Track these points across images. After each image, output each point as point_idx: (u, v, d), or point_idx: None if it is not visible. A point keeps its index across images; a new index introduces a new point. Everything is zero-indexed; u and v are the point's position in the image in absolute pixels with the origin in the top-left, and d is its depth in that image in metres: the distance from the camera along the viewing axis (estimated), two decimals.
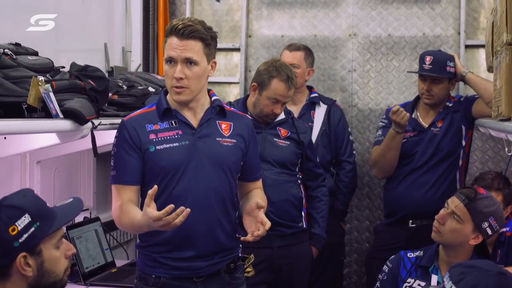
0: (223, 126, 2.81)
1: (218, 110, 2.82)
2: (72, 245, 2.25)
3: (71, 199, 2.30)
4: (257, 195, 2.91)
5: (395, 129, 3.96)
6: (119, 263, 3.96)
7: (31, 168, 3.53)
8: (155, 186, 2.46)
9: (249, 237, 2.65)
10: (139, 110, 2.85)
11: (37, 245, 2.08)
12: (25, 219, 2.05)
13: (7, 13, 3.37)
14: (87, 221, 3.86)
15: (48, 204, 2.20)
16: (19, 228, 2.04)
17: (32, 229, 2.05)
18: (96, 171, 4.18)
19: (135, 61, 4.85)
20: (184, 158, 2.66)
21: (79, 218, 3.89)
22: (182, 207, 2.40)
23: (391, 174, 4.14)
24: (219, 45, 4.95)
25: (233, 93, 5.06)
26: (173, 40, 2.69)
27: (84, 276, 3.58)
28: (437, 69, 3.95)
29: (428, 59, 3.97)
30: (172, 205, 2.39)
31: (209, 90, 2.87)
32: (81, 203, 2.32)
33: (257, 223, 2.66)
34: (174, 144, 2.72)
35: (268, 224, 2.64)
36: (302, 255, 3.73)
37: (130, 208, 2.67)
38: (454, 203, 3.06)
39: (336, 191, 4.33)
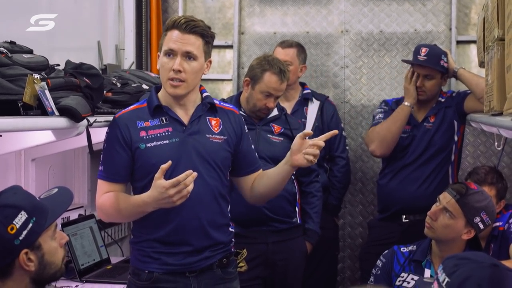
0: (213, 122, 2.82)
1: (208, 107, 2.84)
2: (64, 233, 2.28)
3: (56, 189, 2.30)
4: (268, 171, 2.96)
5: (405, 101, 4.02)
6: (114, 260, 3.98)
7: (26, 165, 3.54)
8: (169, 161, 2.56)
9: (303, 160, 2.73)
10: (131, 107, 2.85)
11: (36, 240, 2.10)
12: (22, 216, 2.07)
13: (2, 12, 3.37)
14: (82, 219, 3.88)
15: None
16: (17, 226, 2.05)
17: (30, 225, 2.07)
18: (91, 168, 4.18)
19: (128, 59, 4.85)
20: (174, 155, 2.66)
21: (74, 216, 3.91)
22: (190, 171, 2.51)
23: (388, 153, 4.09)
24: None
25: (226, 90, 5.07)
26: (174, 33, 2.69)
27: (80, 273, 3.59)
28: (432, 61, 3.97)
29: (423, 50, 3.99)
30: (184, 173, 2.50)
31: (200, 87, 2.88)
32: (69, 191, 2.33)
33: (309, 147, 2.72)
34: (165, 142, 2.73)
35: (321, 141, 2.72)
36: (296, 250, 3.75)
37: (125, 194, 2.75)
38: (445, 199, 3.08)
39: (329, 186, 4.36)
